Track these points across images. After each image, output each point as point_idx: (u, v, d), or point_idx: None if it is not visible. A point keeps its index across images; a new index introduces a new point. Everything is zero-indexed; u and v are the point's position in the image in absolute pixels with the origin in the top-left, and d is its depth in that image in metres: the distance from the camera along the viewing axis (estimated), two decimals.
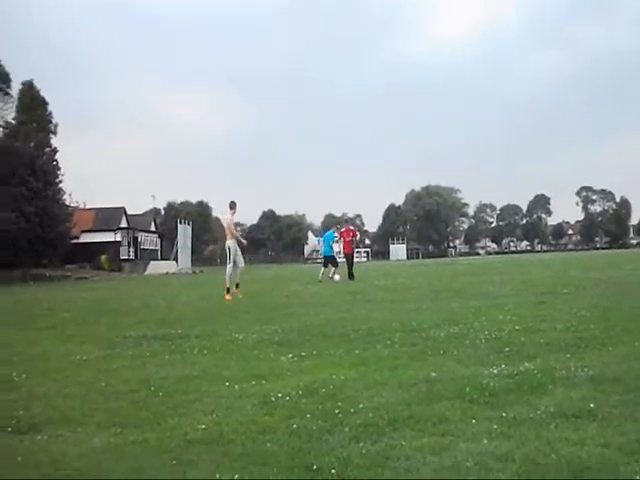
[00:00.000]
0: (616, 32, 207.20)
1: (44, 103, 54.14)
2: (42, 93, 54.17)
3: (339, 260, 25.77)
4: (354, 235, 27.30)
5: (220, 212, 18.36)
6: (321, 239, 26.35)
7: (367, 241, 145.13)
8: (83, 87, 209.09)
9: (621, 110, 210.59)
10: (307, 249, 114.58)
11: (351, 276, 24.46)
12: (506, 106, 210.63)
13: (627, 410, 4.16)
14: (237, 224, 18.46)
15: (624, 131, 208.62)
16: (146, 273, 55.48)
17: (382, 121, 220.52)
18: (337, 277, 23.72)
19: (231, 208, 17.83)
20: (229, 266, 17.10)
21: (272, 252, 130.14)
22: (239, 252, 17.49)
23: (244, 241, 18.54)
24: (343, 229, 26.75)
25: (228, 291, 16.48)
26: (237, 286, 16.93)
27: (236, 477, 3.30)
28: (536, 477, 3.12)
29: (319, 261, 27.05)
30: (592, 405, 4.29)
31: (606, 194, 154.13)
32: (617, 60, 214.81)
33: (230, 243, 17.28)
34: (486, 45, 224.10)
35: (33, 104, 52.58)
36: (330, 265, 24.83)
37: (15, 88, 51.87)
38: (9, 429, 4.47)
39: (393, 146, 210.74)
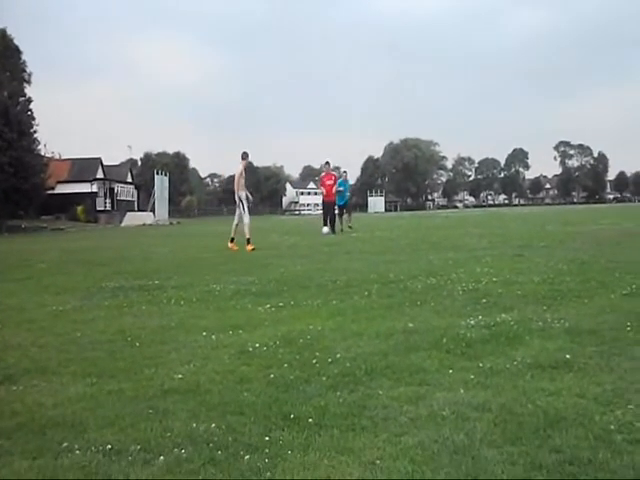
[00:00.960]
0: None
1: (17, 52, 53.13)
2: (15, 42, 53.13)
3: (318, 211, 25.79)
4: (335, 180, 24.72)
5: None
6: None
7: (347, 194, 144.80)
8: (57, 36, 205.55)
9: (601, 66, 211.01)
10: (285, 201, 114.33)
11: (332, 228, 22.96)
12: (486, 60, 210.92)
13: (602, 361, 4.20)
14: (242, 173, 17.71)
15: (603, 87, 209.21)
16: (123, 224, 55.08)
17: (361, 73, 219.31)
18: (326, 230, 22.44)
19: (243, 159, 17.49)
20: (247, 216, 16.76)
21: (250, 204, 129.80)
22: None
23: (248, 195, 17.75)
24: (323, 174, 24.63)
25: (249, 241, 16.14)
26: (232, 240, 16.54)
27: (213, 426, 3.29)
28: (512, 426, 3.13)
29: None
30: (568, 356, 4.32)
31: (584, 149, 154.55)
32: (597, 15, 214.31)
33: (242, 194, 16.99)
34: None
35: (6, 52, 51.55)
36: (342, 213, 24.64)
37: None
38: None
39: (371, 99, 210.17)
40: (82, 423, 3.45)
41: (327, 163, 24.80)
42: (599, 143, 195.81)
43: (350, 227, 24.93)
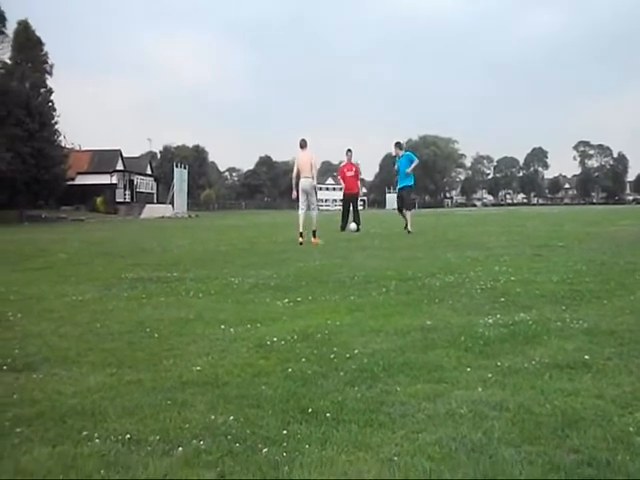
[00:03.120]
0: None
1: (39, 43, 53.50)
2: (37, 33, 53.44)
3: (337, 207, 23.18)
4: (357, 171, 21.89)
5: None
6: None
7: (364, 190, 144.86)
8: (80, 30, 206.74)
9: (622, 68, 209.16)
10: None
11: (358, 224, 20.09)
12: (507, 59, 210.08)
13: (621, 363, 4.17)
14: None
15: (624, 88, 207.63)
16: (142, 216, 55.37)
17: (381, 70, 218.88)
18: (353, 226, 19.82)
19: (306, 147, 16.48)
20: (314, 208, 16.57)
21: (268, 198, 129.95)
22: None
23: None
24: (343, 164, 21.94)
25: (314, 234, 15.87)
26: (314, 234, 15.92)
27: (231, 418, 3.31)
28: (530, 426, 3.13)
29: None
30: (587, 357, 4.30)
31: (603, 149, 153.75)
32: (620, 19, 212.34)
33: (312, 182, 16.37)
34: None
35: (29, 44, 51.97)
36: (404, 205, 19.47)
37: (10, 28, 51.10)
38: (4, 367, 4.47)
39: (391, 95, 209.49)
40: (101, 412, 3.48)
41: (349, 151, 21.35)
42: (619, 144, 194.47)
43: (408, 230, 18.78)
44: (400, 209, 19.56)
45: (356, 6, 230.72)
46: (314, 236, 15.84)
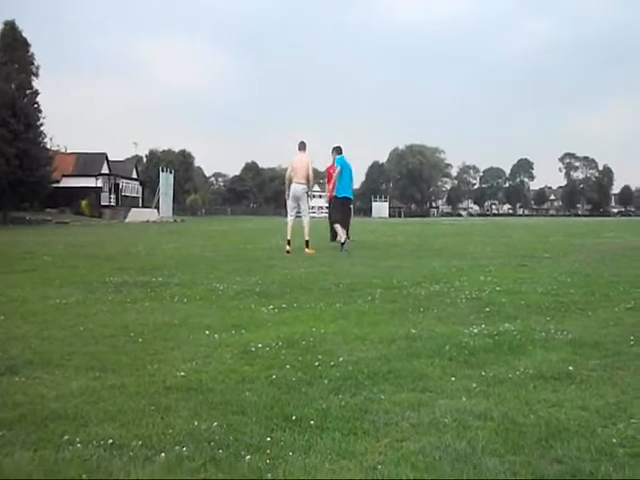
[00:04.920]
0: (607, 2, 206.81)
1: (26, 44, 53.20)
2: (24, 34, 53.20)
3: (323, 214, 19.39)
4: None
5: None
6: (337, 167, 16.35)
7: None
8: (66, 31, 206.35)
9: (608, 80, 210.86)
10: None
11: (334, 235, 17.27)
12: (494, 69, 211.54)
13: (605, 374, 4.19)
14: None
15: (610, 101, 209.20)
16: (127, 220, 55.16)
17: (367, 79, 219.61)
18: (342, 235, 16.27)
19: (304, 149, 15.67)
20: (306, 215, 15.68)
21: (254, 204, 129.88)
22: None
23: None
24: (330, 164, 17.84)
25: (307, 244, 15.06)
26: (307, 244, 15.12)
27: (214, 424, 3.29)
28: (514, 436, 3.13)
29: (300, 215, 16.11)
30: (571, 368, 4.31)
31: (589, 161, 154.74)
32: (606, 31, 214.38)
33: (305, 188, 15.48)
34: (476, 8, 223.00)
35: (15, 44, 51.64)
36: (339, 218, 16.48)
37: None
38: None
39: (378, 104, 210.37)
40: (84, 417, 3.45)
41: (337, 149, 16.99)
42: (604, 156, 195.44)
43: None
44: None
45: (347, 11, 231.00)
46: (307, 246, 15.01)
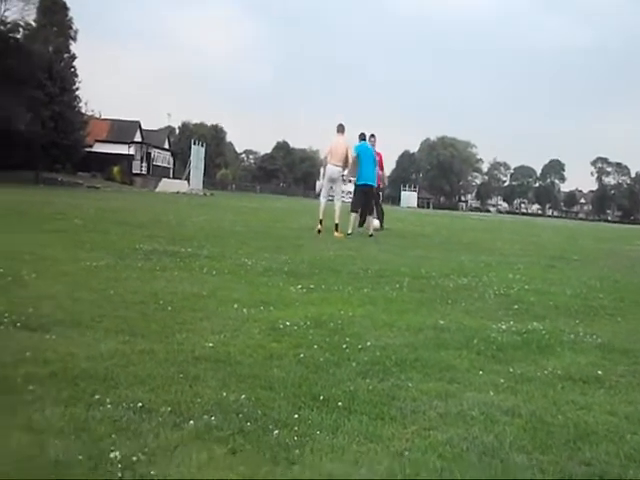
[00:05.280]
0: None
1: (65, 8, 53.33)
2: None
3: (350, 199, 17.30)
4: (380, 161, 17.89)
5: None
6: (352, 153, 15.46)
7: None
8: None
9: None
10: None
11: (364, 221, 16.74)
12: (531, 68, 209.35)
13: (635, 380, 4.15)
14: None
15: None
16: (157, 190, 55.30)
17: (401, 66, 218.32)
18: (376, 223, 16.83)
19: (343, 132, 15.58)
20: (339, 199, 15.57)
21: (284, 184, 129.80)
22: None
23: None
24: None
25: (337, 227, 14.84)
26: (337, 227, 14.90)
27: (243, 397, 3.31)
28: (542, 435, 3.11)
29: (330, 199, 15.98)
30: (600, 372, 4.28)
31: (621, 168, 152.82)
32: None
33: (341, 170, 15.39)
34: (516, 3, 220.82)
35: (54, 7, 51.80)
36: (357, 207, 16.07)
37: None
38: (18, 324, 4.47)
39: (411, 93, 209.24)
40: (114, 378, 3.48)
41: (372, 136, 17.05)
42: (637, 164, 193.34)
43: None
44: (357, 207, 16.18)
45: (378, 3, 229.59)
46: (336, 229, 14.78)
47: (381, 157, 18.04)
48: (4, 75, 41.31)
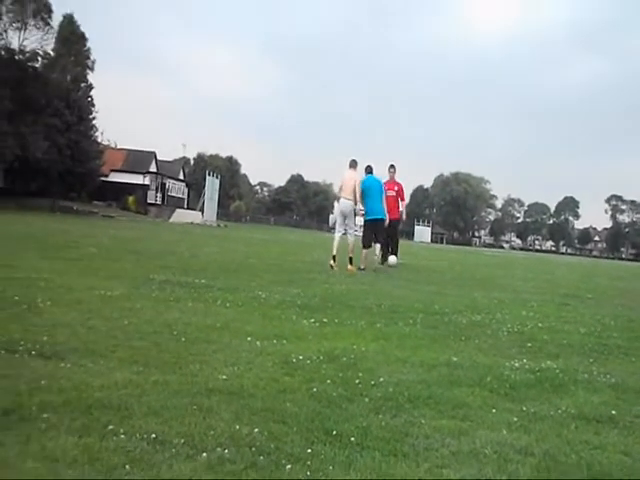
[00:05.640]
0: None
1: (83, 38, 54.14)
2: (82, 28, 54.10)
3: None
4: (400, 191, 17.80)
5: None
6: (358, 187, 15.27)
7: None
8: (124, 30, 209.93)
9: None
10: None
11: (385, 258, 16.73)
12: (547, 104, 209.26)
13: None
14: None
15: None
16: (171, 220, 55.67)
17: (416, 101, 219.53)
18: (393, 259, 16.73)
19: (355, 167, 15.54)
20: (352, 233, 15.42)
21: (297, 217, 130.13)
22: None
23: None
24: (385, 181, 17.05)
25: (351, 261, 14.80)
26: (351, 261, 14.89)
27: (256, 430, 3.31)
28: (556, 475, 3.10)
29: (343, 232, 15.22)
30: (614, 412, 4.25)
31: (636, 206, 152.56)
32: None
33: (352, 204, 15.25)
34: (529, 41, 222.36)
35: (72, 38, 52.60)
36: (374, 240, 15.96)
37: (56, 20, 51.66)
38: (33, 352, 4.51)
39: (426, 129, 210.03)
40: (127, 409, 3.50)
41: (392, 167, 17.86)
42: None
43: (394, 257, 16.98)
44: (369, 242, 15.94)
45: (398, 35, 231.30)
46: (350, 263, 14.74)
47: (401, 187, 17.83)
48: (23, 103, 41.93)
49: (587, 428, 3.90)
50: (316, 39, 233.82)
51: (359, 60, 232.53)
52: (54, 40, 51.82)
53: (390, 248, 17.16)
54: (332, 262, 14.63)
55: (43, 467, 2.72)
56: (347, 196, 15.17)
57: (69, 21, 53.43)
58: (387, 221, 16.00)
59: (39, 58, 49.84)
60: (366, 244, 15.68)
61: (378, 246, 16.06)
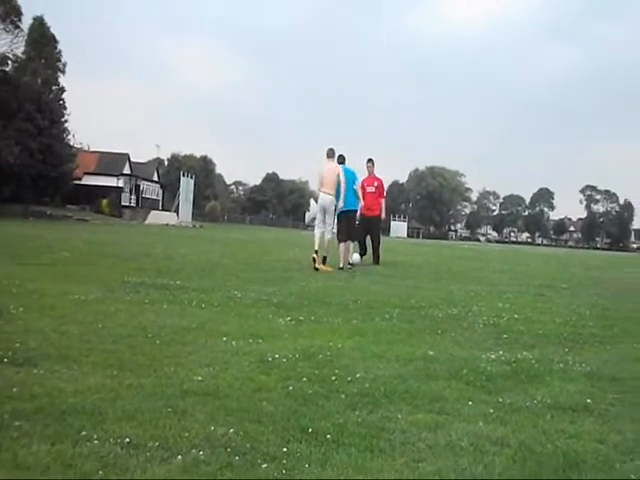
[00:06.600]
0: (634, 36, 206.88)
1: (54, 40, 53.51)
2: (52, 30, 53.55)
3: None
4: (380, 187, 17.14)
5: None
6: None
7: None
8: (93, 30, 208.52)
9: (632, 114, 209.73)
10: (308, 216, 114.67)
11: (376, 257, 16.75)
12: (519, 97, 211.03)
13: (624, 409, 4.15)
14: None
15: (633, 135, 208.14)
16: (146, 222, 55.37)
17: (388, 96, 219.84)
18: (356, 257, 16.14)
19: (334, 156, 14.58)
20: (329, 231, 14.48)
21: (273, 215, 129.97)
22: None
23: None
24: (364, 177, 16.74)
25: (324, 260, 14.10)
26: (325, 259, 14.23)
27: (231, 431, 3.29)
28: (531, 464, 3.11)
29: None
30: (589, 400, 4.28)
31: (610, 195, 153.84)
32: (631, 61, 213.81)
33: (333, 199, 14.33)
34: (503, 32, 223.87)
35: (43, 40, 52.00)
36: (345, 235, 14.86)
37: (26, 23, 51.13)
38: (5, 360, 4.45)
39: (398, 122, 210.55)
40: (101, 413, 3.46)
41: (370, 161, 16.99)
42: (626, 191, 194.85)
43: (377, 257, 16.78)
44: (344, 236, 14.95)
45: (372, 29, 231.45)
46: (323, 262, 14.04)
47: (381, 183, 17.15)
48: None
49: (563, 417, 3.92)
50: (288, 33, 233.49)
51: (332, 55, 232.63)
52: (24, 43, 51.36)
53: (373, 247, 16.81)
54: (315, 260, 13.74)
55: (14, 476, 2.68)
56: (328, 190, 14.26)
57: (39, 23, 52.82)
58: (358, 214, 15.53)
59: (9, 62, 49.41)
60: (342, 238, 14.77)
61: (351, 245, 15.22)
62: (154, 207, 69.29)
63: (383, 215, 17.17)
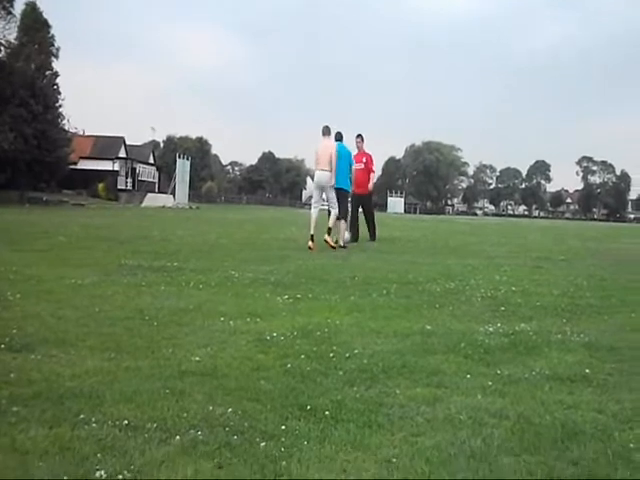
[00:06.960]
0: (633, 9, 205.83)
1: (46, 25, 53.01)
2: (45, 15, 53.12)
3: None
4: (369, 162, 16.77)
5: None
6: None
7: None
8: (86, 13, 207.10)
9: (630, 87, 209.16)
10: (305, 194, 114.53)
11: (372, 233, 16.88)
12: (515, 69, 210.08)
13: (622, 379, 4.16)
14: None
15: (630, 107, 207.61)
16: (143, 205, 55.20)
17: (385, 72, 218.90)
18: (347, 235, 15.29)
19: (329, 134, 14.31)
20: (333, 206, 14.13)
21: (270, 194, 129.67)
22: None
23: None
24: (354, 154, 16.07)
25: (329, 232, 13.74)
26: (329, 231, 13.81)
27: (229, 410, 3.29)
28: (530, 436, 3.11)
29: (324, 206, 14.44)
30: (587, 371, 4.28)
31: (606, 166, 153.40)
32: (629, 33, 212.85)
33: (330, 176, 13.92)
34: (498, 3, 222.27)
35: (35, 25, 51.54)
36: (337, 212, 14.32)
37: (18, 8, 50.67)
38: (2, 346, 4.43)
39: (394, 97, 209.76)
40: (99, 396, 3.46)
41: (359, 136, 16.80)
42: (622, 162, 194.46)
43: (374, 234, 16.89)
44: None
45: (367, 4, 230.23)
46: (328, 234, 13.63)
47: (370, 158, 16.82)
48: None
49: (561, 388, 3.93)
50: (284, 11, 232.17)
51: (327, 31, 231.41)
52: (17, 29, 50.92)
53: (368, 223, 16.81)
54: (310, 243, 13.25)
55: (12, 460, 2.68)
56: (324, 167, 13.94)
57: (32, 8, 52.32)
58: (350, 194, 15.41)
59: (2, 48, 49.00)
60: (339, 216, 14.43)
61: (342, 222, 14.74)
62: (150, 190, 69.04)
63: (370, 187, 17.01)
